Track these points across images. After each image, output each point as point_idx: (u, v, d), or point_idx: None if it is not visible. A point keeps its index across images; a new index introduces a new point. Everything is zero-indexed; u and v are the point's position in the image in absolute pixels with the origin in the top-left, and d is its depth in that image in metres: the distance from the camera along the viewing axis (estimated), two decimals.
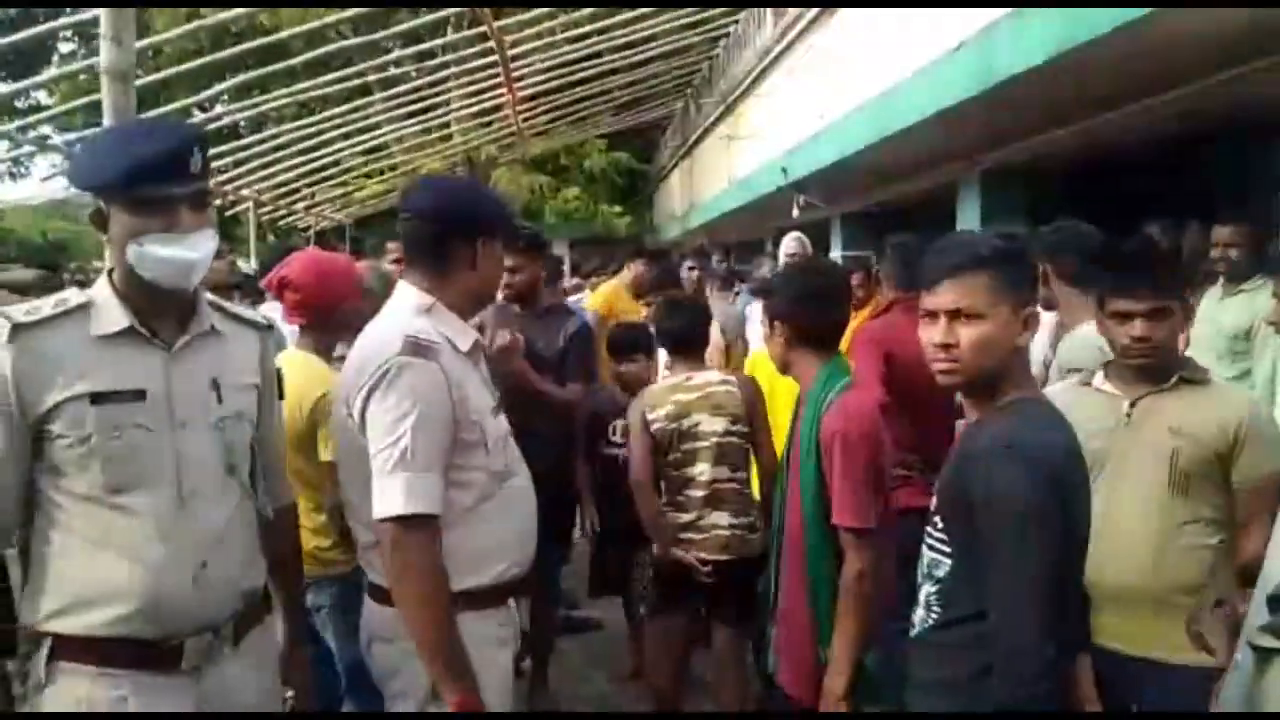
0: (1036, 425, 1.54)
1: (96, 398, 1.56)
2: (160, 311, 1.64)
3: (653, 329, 3.24)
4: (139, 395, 1.60)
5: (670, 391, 2.84)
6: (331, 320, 2.67)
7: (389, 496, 1.71)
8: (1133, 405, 2.22)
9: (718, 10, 9.67)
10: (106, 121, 2.12)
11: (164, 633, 1.61)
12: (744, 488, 2.81)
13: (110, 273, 1.64)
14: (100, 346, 1.59)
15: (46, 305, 1.59)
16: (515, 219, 2.15)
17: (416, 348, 1.75)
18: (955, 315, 1.57)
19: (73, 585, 1.58)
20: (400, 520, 1.71)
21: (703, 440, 2.76)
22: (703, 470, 2.75)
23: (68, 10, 12.50)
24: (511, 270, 3.50)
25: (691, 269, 7.20)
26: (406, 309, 1.87)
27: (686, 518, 2.76)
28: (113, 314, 1.60)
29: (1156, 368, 2.17)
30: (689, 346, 2.97)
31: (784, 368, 2.34)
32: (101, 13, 2.10)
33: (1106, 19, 3.14)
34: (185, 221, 1.59)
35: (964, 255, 1.61)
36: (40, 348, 1.56)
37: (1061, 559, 1.49)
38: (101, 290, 1.63)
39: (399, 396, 1.72)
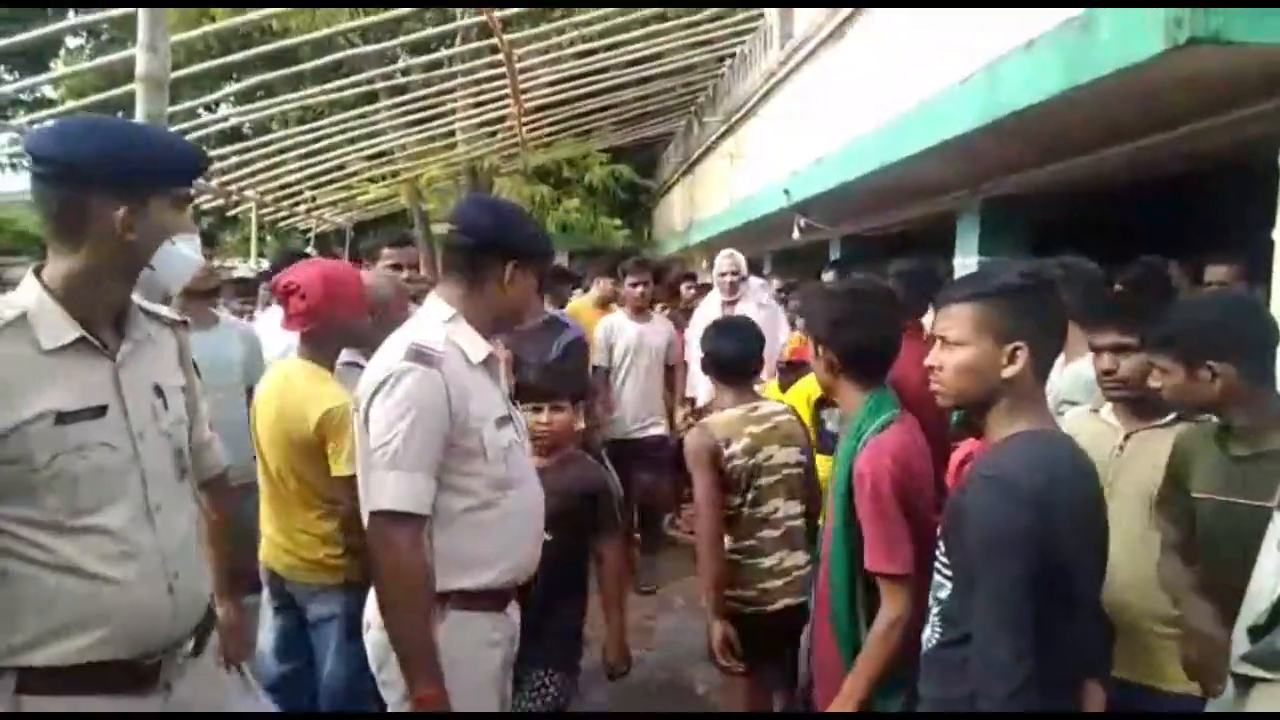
0: (1025, 454, 1.58)
1: (62, 417, 1.47)
2: (100, 319, 1.55)
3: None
4: (101, 411, 1.52)
5: (743, 423, 2.63)
6: (334, 331, 2.67)
7: (377, 491, 1.82)
8: (1126, 439, 2.29)
9: (725, 30, 9.76)
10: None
11: (141, 652, 1.56)
12: (804, 522, 2.67)
13: (39, 275, 1.52)
14: (50, 361, 1.48)
15: None
16: (551, 252, 2.21)
17: (419, 354, 1.85)
18: (945, 341, 1.66)
19: (38, 617, 1.48)
20: (386, 515, 1.81)
21: (776, 475, 2.58)
22: (777, 507, 2.59)
23: (74, 10, 12.56)
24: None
25: (689, 288, 7.27)
26: (429, 319, 1.97)
27: (768, 562, 2.58)
28: (59, 324, 1.49)
29: (1149, 403, 2.24)
30: (744, 373, 2.74)
31: (828, 393, 2.29)
32: (139, 22, 2.15)
33: (1112, 59, 3.21)
34: (192, 223, 1.60)
35: (962, 286, 1.70)
36: None
37: (1046, 584, 1.50)
38: (33, 297, 1.50)
39: (397, 399, 1.82)
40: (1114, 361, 2.29)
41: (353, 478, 2.30)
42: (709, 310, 5.46)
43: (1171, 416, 2.26)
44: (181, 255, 1.57)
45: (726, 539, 2.66)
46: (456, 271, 1.98)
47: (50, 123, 1.71)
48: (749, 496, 2.58)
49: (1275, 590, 1.69)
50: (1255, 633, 1.74)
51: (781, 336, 5.25)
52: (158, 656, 1.58)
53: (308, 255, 7.88)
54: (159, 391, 1.65)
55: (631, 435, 5.12)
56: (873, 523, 2.02)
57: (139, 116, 2.23)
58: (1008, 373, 1.62)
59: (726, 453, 2.58)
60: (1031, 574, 1.49)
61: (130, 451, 1.55)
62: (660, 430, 5.26)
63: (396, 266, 3.54)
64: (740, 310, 5.22)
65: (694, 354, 5.15)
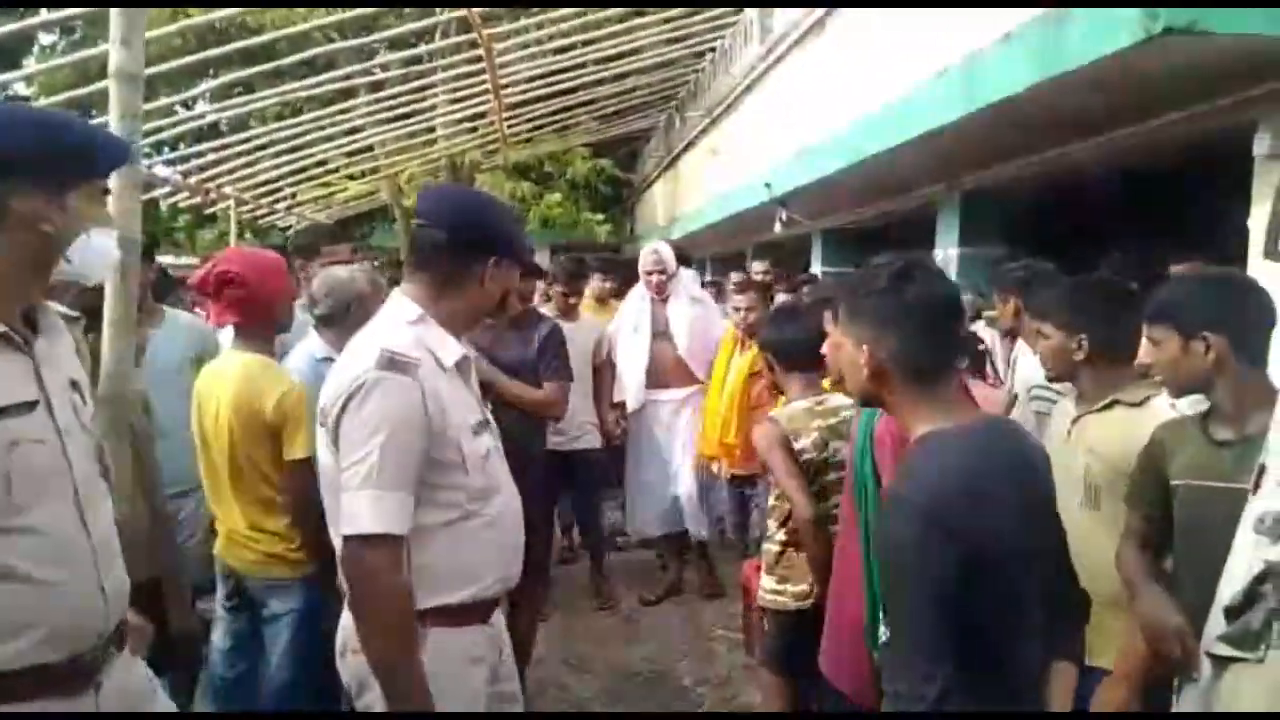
0: (924, 462, 1.51)
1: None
2: (12, 313, 1.50)
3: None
4: (31, 406, 1.48)
5: (809, 416, 2.58)
6: (270, 318, 2.68)
7: (354, 514, 1.69)
8: (1074, 423, 2.38)
9: (705, 25, 9.76)
10: (114, 120, 2.15)
11: (73, 652, 1.52)
12: None
13: None
14: None
15: None
16: (532, 247, 2.10)
17: (392, 362, 1.71)
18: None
19: None
20: (361, 539, 1.69)
21: (841, 471, 2.48)
22: (839, 504, 2.45)
23: (46, 7, 12.40)
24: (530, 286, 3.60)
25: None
26: (395, 319, 1.85)
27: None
28: None
29: (1090, 389, 2.39)
30: (809, 362, 2.57)
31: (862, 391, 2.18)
32: (112, 17, 2.13)
33: (1087, 51, 3.24)
34: (109, 216, 1.61)
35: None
36: None
37: (964, 585, 1.42)
38: None
39: (369, 412, 1.69)
40: (1038, 345, 2.53)
41: (305, 462, 2.31)
42: (632, 308, 5.08)
43: (1108, 401, 2.33)
44: (99, 248, 1.57)
45: (780, 533, 2.63)
46: (429, 269, 1.86)
47: None
48: (813, 492, 2.54)
49: (1250, 571, 1.72)
50: (1231, 613, 1.77)
51: (716, 332, 5.01)
52: (89, 655, 1.55)
53: (281, 249, 7.82)
54: (75, 386, 1.61)
55: (563, 448, 4.60)
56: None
57: (113, 113, 2.21)
58: (864, 373, 1.58)
59: (796, 446, 2.54)
60: (936, 587, 1.42)
61: (59, 447, 1.51)
62: (594, 443, 4.85)
63: (337, 263, 3.57)
64: (672, 307, 4.97)
65: (622, 355, 4.97)
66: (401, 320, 1.84)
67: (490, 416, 2.01)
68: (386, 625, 1.72)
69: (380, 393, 1.71)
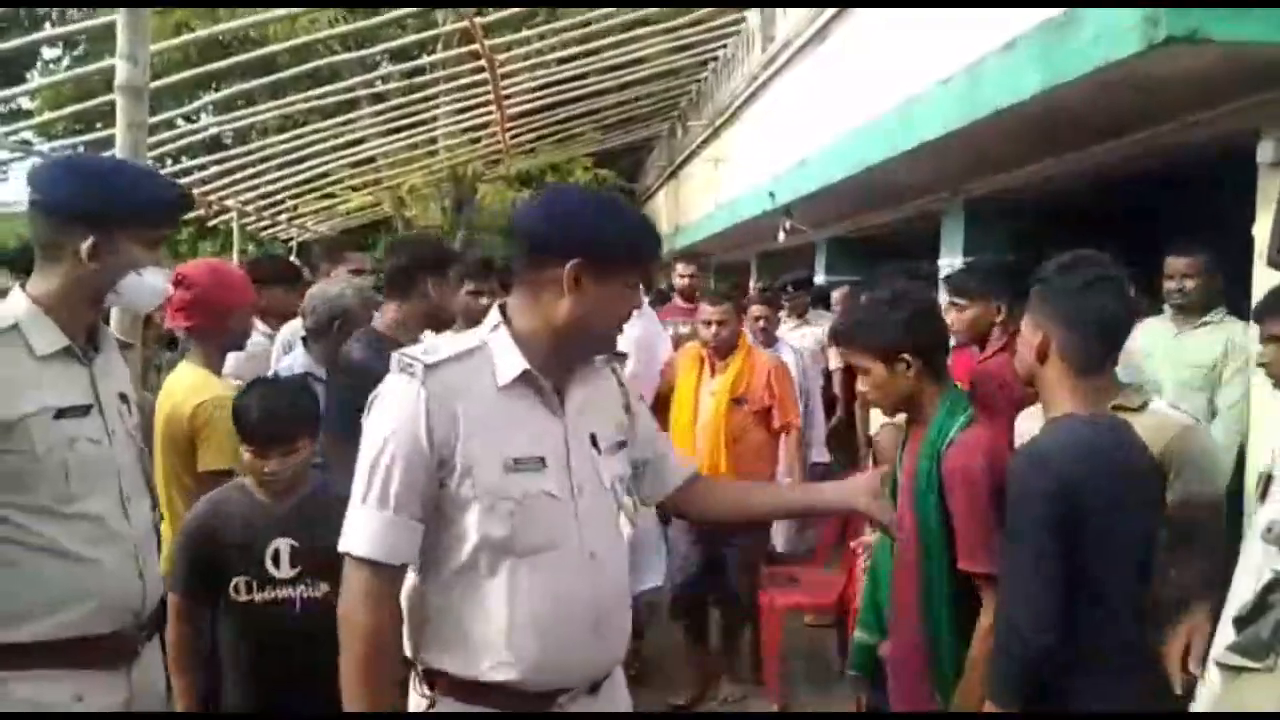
0: (1055, 434, 1.83)
1: (60, 412, 1.68)
2: (75, 331, 1.76)
3: None
4: (87, 410, 1.74)
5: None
6: (222, 328, 2.69)
7: (346, 529, 1.55)
8: None
9: (707, 34, 9.79)
10: (119, 132, 2.17)
11: (114, 626, 1.74)
12: None
13: (24, 289, 1.73)
14: (42, 364, 1.69)
15: None
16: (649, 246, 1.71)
17: (401, 365, 1.55)
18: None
19: (30, 594, 1.65)
20: (353, 559, 1.52)
21: None
22: None
23: (50, 21, 12.48)
24: (475, 294, 3.43)
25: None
26: (480, 329, 1.66)
27: None
28: (48, 333, 1.71)
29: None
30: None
31: (911, 406, 2.18)
32: (118, 31, 2.14)
33: (1090, 59, 3.24)
34: (163, 257, 1.86)
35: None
36: None
37: (1076, 554, 1.73)
38: (23, 309, 1.71)
39: (374, 419, 1.55)
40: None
41: (216, 475, 2.36)
42: None
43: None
44: (146, 285, 1.78)
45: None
46: (516, 277, 1.65)
47: (57, 156, 2.01)
48: None
49: (1260, 581, 1.71)
50: (1240, 623, 1.77)
51: (660, 349, 4.56)
52: (128, 633, 1.78)
53: (287, 257, 7.82)
54: (124, 399, 1.87)
55: None
56: (967, 520, 1.99)
57: (119, 126, 2.24)
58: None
59: None
60: (1053, 540, 1.73)
61: (108, 448, 1.76)
62: None
63: (359, 270, 3.55)
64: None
65: None
66: (485, 328, 1.63)
67: (572, 455, 1.62)
68: (357, 661, 1.51)
69: (384, 399, 1.55)
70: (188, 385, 2.60)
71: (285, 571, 2.11)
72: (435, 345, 1.62)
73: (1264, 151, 3.40)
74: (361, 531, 1.51)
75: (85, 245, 1.69)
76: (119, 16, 2.21)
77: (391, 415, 1.52)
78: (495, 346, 1.58)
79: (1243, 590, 1.88)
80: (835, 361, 5.74)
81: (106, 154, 2.96)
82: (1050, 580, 1.72)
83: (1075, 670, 1.74)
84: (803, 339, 5.87)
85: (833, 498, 1.89)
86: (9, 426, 1.62)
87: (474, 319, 3.06)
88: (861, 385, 2.21)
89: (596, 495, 1.63)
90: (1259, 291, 3.26)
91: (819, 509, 2.05)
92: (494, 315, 1.64)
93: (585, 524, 1.60)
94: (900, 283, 2.44)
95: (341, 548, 1.53)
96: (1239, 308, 3.53)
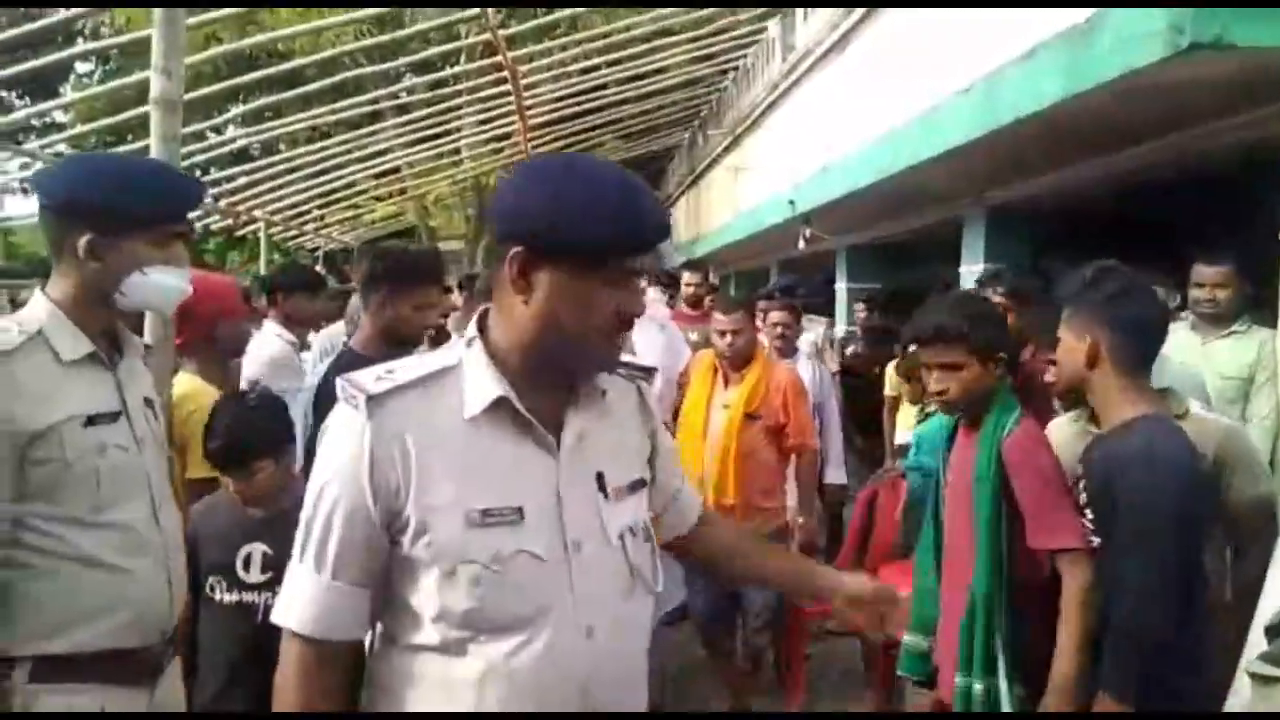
0: (1162, 437, 1.92)
1: (90, 420, 1.64)
2: (96, 335, 1.71)
3: None
4: (116, 416, 1.69)
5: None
6: (208, 338, 2.69)
7: (282, 592, 1.27)
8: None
9: (728, 43, 9.83)
10: (154, 145, 2.22)
11: (143, 642, 1.69)
12: None
13: (46, 293, 1.68)
14: (69, 371, 1.65)
15: (12, 332, 1.62)
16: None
17: (345, 393, 1.23)
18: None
19: (61, 605, 1.61)
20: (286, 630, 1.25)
21: None
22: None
23: (83, 36, 12.70)
24: (431, 306, 3.32)
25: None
26: (456, 345, 1.33)
27: None
28: (73, 339, 1.66)
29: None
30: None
31: (981, 405, 2.27)
32: (153, 45, 2.20)
33: (1113, 66, 3.24)
34: (181, 256, 1.75)
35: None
36: (19, 375, 1.59)
37: (1191, 534, 1.88)
38: (46, 314, 1.66)
39: (318, 460, 1.25)
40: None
41: (202, 482, 2.36)
42: None
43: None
44: (154, 285, 1.70)
45: None
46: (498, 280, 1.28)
47: (67, 156, 1.95)
48: None
49: None
50: (1271, 632, 1.75)
51: (679, 364, 4.33)
52: (157, 647, 1.73)
53: (313, 265, 7.90)
54: (149, 404, 1.82)
55: None
56: (1041, 499, 2.10)
57: (153, 139, 2.29)
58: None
59: None
60: (1183, 531, 1.86)
61: (137, 454, 1.72)
62: None
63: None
64: (638, 335, 3.72)
65: None
66: (461, 343, 1.31)
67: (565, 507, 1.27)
68: None
69: (328, 435, 1.25)
70: (179, 394, 2.61)
71: (255, 576, 2.12)
72: (396, 366, 1.27)
73: None
74: (295, 600, 1.24)
75: (83, 243, 1.64)
76: (154, 30, 2.27)
77: (330, 457, 1.23)
78: (468, 367, 1.26)
79: (1275, 599, 1.87)
80: (832, 365, 5.66)
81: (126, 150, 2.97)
82: (1175, 580, 1.84)
83: (1186, 669, 1.89)
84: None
85: (825, 587, 1.54)
86: (40, 435, 1.58)
87: None
88: (939, 385, 2.27)
89: (599, 554, 1.28)
90: None
91: (808, 594, 1.67)
92: (471, 327, 1.30)
93: (582, 592, 1.25)
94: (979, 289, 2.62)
95: (274, 616, 1.26)
96: (1262, 315, 3.49)
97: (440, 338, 3.01)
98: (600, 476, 1.30)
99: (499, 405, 1.23)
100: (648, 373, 1.46)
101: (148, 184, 1.73)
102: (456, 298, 5.00)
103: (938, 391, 2.28)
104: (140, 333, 2.37)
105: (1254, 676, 1.78)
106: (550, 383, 1.29)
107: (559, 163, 1.27)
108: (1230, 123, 3.75)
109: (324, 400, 2.65)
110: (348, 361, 2.75)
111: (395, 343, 2.60)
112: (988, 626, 2.13)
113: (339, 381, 1.24)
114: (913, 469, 3.27)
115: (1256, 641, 1.79)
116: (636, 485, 1.37)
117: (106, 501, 1.64)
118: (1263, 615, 1.78)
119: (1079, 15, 3.51)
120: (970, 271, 6.00)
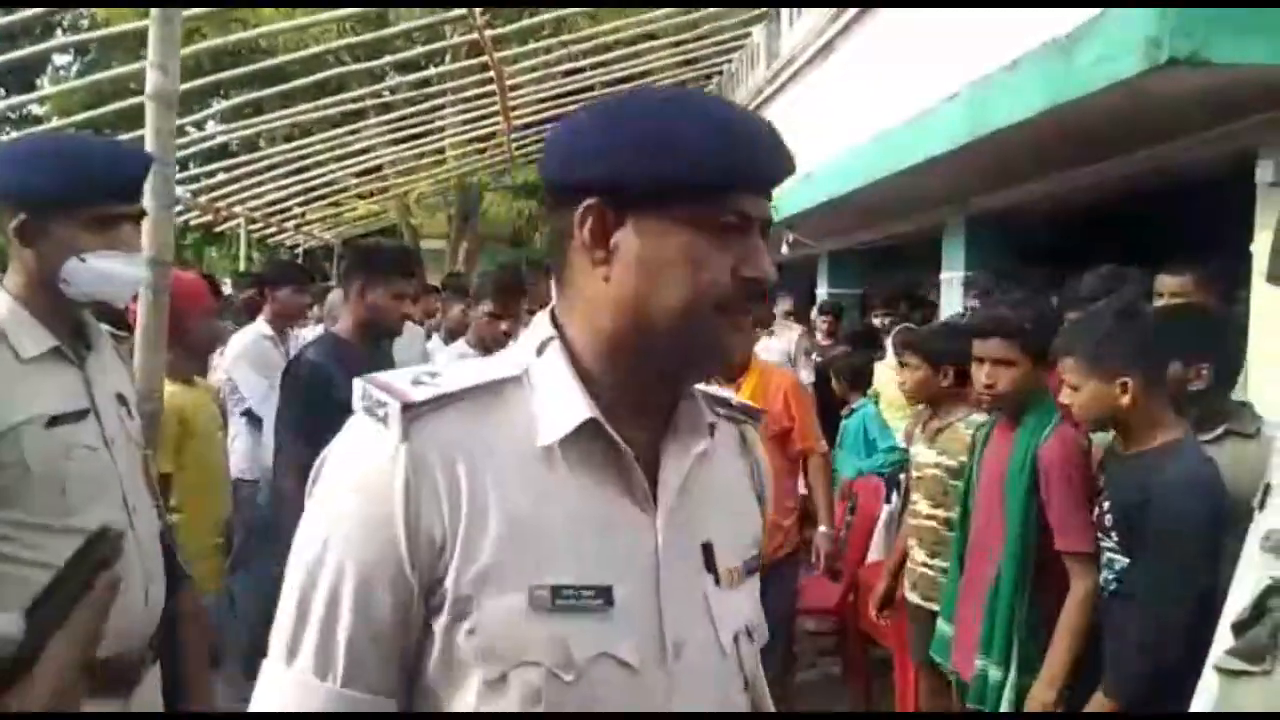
0: (1199, 463, 2.02)
1: (53, 420, 1.53)
2: (59, 328, 1.61)
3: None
4: (83, 415, 1.58)
5: None
6: (176, 333, 2.59)
7: (257, 699, 0.84)
8: None
9: (712, 49, 9.88)
10: (149, 140, 2.22)
11: (118, 650, 1.57)
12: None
13: (4, 289, 1.58)
14: (30, 368, 1.54)
15: None
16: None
17: (367, 401, 0.84)
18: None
19: None
20: None
21: None
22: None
23: (61, 28, 12.56)
24: (495, 317, 3.29)
25: None
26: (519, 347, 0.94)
27: None
28: (34, 334, 1.56)
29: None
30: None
31: (1023, 404, 2.42)
32: (150, 41, 2.21)
33: (1093, 79, 3.30)
34: (131, 240, 1.61)
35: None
36: None
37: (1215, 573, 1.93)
38: (3, 311, 1.56)
39: (314, 498, 0.86)
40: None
41: (167, 477, 2.35)
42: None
43: (1221, 430, 2.29)
44: (97, 272, 1.56)
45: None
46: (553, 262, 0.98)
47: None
48: None
49: (1258, 585, 1.76)
50: (1238, 628, 1.81)
51: None
52: (132, 656, 1.62)
53: (298, 264, 7.90)
54: (121, 400, 1.70)
55: None
56: (1066, 505, 2.24)
57: (148, 134, 2.28)
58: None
59: None
60: (1212, 560, 1.94)
61: (107, 455, 1.60)
62: None
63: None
64: None
65: None
66: (527, 346, 0.93)
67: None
68: None
69: (328, 472, 0.86)
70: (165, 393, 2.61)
71: None
72: (439, 370, 0.89)
73: (1263, 171, 3.46)
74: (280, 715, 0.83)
75: (11, 226, 1.54)
76: (151, 25, 2.27)
77: (338, 498, 0.83)
78: (539, 377, 0.87)
79: (1241, 596, 1.93)
80: (807, 376, 5.69)
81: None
82: (1200, 596, 1.92)
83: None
84: (767, 351, 5.28)
85: None
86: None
87: (492, 349, 2.70)
88: (989, 379, 2.41)
89: (705, 663, 0.88)
90: (1257, 308, 3.32)
91: None
92: (541, 324, 0.92)
93: (680, 710, 0.86)
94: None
95: None
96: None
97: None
98: (708, 550, 0.90)
99: (582, 432, 0.84)
100: (753, 415, 1.05)
101: (71, 162, 1.58)
102: (438, 302, 5.05)
103: (986, 385, 2.41)
104: (129, 327, 2.33)
105: (1221, 671, 1.83)
106: (639, 401, 0.89)
107: (639, 96, 0.92)
108: (1204, 136, 3.83)
109: (290, 380, 2.64)
110: (330, 344, 2.78)
111: (375, 333, 2.73)
112: (1010, 613, 2.27)
113: (356, 384, 0.85)
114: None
115: (1223, 637, 1.84)
116: (752, 567, 0.96)
117: (75, 506, 1.53)
118: (1229, 612, 1.84)
119: (1061, 28, 3.59)
120: (951, 279, 6.08)
